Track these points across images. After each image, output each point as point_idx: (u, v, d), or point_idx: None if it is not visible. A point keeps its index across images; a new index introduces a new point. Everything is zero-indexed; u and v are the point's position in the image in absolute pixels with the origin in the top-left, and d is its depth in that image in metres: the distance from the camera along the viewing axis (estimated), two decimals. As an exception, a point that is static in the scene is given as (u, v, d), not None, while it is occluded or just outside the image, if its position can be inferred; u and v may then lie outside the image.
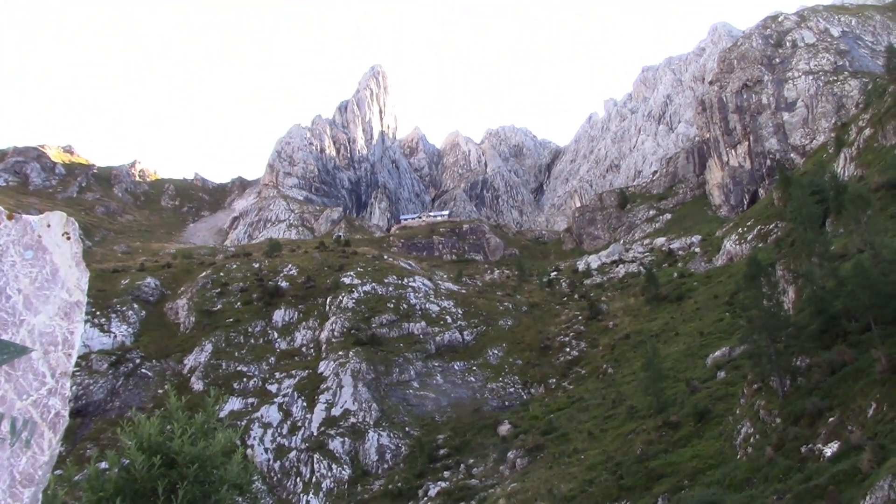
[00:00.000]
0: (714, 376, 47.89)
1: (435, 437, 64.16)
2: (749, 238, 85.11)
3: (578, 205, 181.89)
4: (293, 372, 75.13)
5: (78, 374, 70.33)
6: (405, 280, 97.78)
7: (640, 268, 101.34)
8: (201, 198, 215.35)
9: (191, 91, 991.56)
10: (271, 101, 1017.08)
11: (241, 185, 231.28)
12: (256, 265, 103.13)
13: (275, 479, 60.54)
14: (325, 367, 74.47)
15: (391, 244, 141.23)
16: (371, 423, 65.50)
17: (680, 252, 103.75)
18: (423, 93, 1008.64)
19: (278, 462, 62.11)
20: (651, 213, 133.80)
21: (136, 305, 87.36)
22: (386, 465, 61.11)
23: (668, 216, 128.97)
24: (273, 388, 72.42)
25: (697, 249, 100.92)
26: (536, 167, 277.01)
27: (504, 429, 60.83)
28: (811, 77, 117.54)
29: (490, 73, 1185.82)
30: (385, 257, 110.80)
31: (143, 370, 74.91)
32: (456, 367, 78.07)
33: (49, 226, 3.69)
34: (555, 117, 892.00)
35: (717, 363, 50.36)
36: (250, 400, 70.13)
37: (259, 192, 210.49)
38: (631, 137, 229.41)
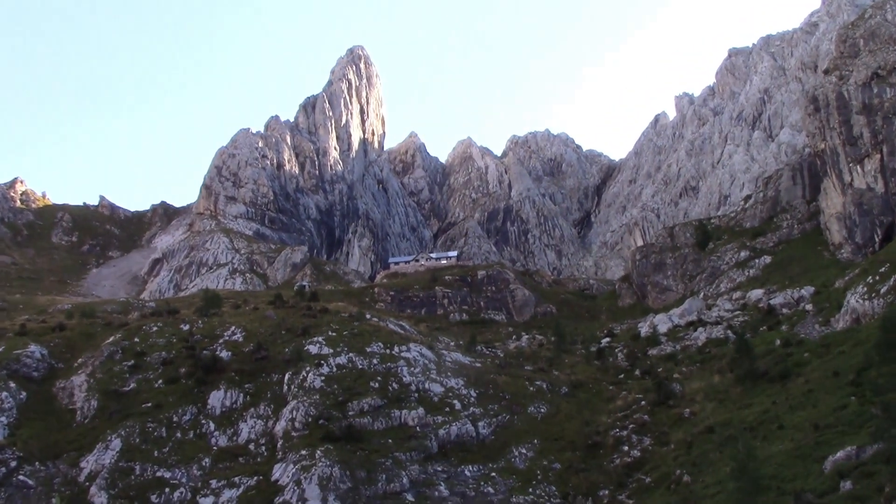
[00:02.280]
0: (836, 488, 46.18)
1: (438, 573, 61.85)
2: (882, 291, 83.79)
3: (640, 243, 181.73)
4: (236, 479, 73.61)
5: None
6: (396, 349, 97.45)
7: (728, 332, 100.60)
8: (109, 232, 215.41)
9: (96, 83, 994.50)
10: (208, 96, 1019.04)
11: (166, 215, 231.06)
12: (186, 327, 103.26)
13: None
14: (281, 472, 73.00)
15: (376, 298, 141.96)
16: (347, 552, 63.51)
17: (784, 310, 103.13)
18: (423, 87, 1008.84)
19: None
20: (743, 254, 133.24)
21: (12, 384, 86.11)
22: None
23: (767, 259, 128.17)
24: (208, 501, 71.04)
25: (809, 307, 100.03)
26: (581, 190, 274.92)
27: (536, 562, 58.82)
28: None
29: (515, 60, 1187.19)
30: (368, 317, 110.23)
31: (21, 476, 72.86)
32: (467, 472, 76.38)
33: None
34: (606, 121, 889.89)
35: (839, 469, 48.36)
36: (175, 519, 68.36)
37: (191, 224, 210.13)
38: (714, 148, 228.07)
